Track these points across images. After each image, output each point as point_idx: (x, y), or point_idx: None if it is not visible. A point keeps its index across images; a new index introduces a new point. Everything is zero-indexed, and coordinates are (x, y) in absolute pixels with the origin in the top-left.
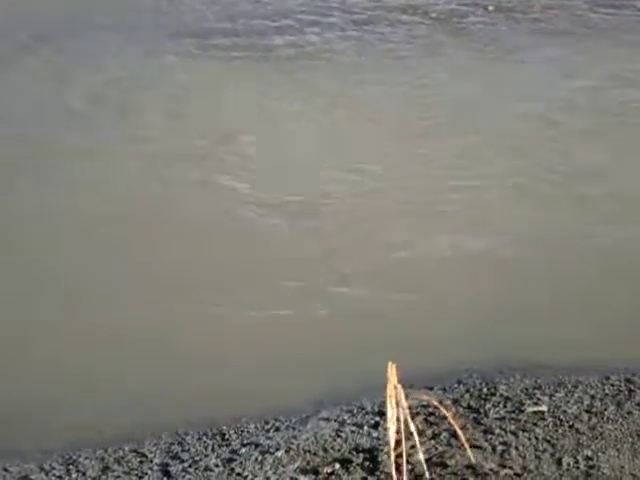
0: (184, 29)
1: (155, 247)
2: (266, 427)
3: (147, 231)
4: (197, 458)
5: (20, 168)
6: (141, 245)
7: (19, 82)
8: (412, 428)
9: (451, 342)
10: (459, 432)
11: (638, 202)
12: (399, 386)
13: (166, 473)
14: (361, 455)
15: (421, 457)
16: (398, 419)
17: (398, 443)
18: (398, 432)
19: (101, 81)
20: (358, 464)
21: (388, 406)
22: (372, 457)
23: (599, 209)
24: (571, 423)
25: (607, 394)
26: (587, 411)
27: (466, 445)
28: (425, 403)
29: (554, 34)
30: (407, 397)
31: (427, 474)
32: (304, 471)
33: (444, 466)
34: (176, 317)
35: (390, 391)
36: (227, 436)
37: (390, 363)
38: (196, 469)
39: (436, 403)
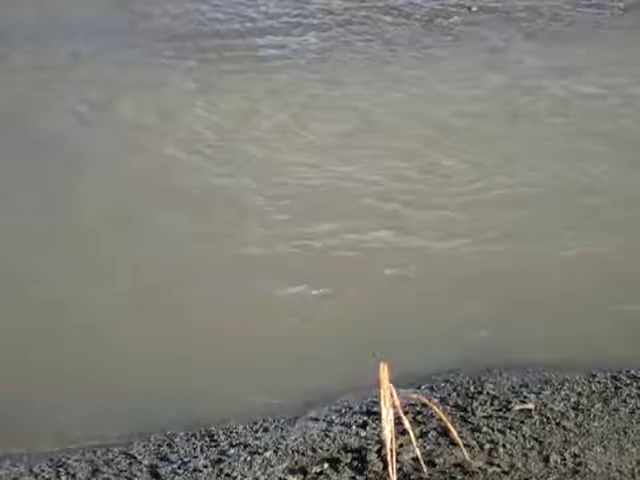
0: (167, 32)
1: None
2: (254, 428)
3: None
4: (186, 459)
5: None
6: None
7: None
8: (407, 425)
9: (438, 341)
10: (451, 429)
11: None
12: (392, 386)
13: (155, 475)
14: (349, 455)
15: (418, 453)
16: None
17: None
18: (390, 431)
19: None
20: (346, 464)
21: (382, 406)
22: (360, 457)
23: None
24: (558, 421)
25: (594, 391)
26: (574, 408)
27: (459, 442)
28: (412, 402)
29: (537, 34)
30: (398, 396)
31: (425, 469)
32: (293, 471)
33: (432, 464)
34: (165, 319)
35: (384, 391)
36: (216, 437)
37: (382, 363)
38: (185, 470)
39: (426, 401)
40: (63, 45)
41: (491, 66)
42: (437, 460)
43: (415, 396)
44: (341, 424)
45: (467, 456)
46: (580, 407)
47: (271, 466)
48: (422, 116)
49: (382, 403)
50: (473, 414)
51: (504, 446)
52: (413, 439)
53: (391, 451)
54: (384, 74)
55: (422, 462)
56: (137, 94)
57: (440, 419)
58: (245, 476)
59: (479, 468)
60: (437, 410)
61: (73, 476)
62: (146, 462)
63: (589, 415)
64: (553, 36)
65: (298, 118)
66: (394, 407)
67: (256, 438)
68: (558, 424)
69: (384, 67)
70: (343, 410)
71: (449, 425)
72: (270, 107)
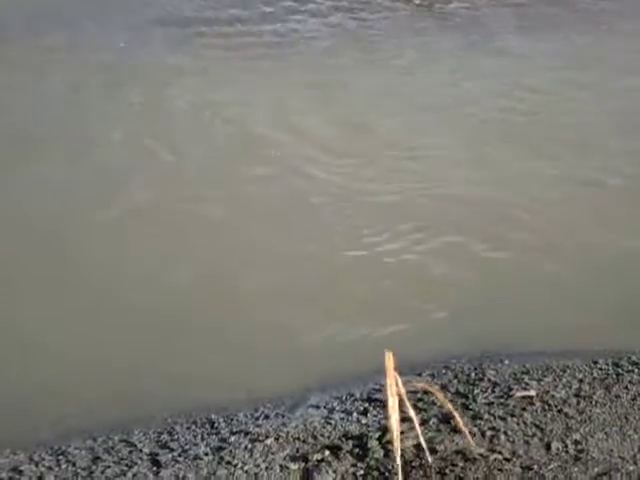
0: (166, 17)
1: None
2: (255, 415)
3: None
4: (186, 447)
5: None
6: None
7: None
8: (411, 413)
9: (439, 328)
10: (457, 416)
11: None
12: (396, 374)
13: (156, 462)
14: (350, 442)
15: (422, 440)
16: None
17: (388, 429)
18: (396, 420)
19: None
20: (347, 451)
21: (388, 395)
22: (361, 444)
23: None
24: (560, 407)
25: (595, 378)
26: (575, 395)
27: (464, 428)
28: (413, 389)
29: (538, 19)
30: (404, 384)
31: (429, 458)
32: (294, 458)
33: (434, 451)
34: (165, 305)
35: (390, 379)
36: (216, 424)
37: (387, 352)
38: (186, 458)
39: (432, 390)
40: (62, 29)
41: (490, 51)
42: (438, 447)
43: (420, 385)
44: (342, 411)
45: (470, 443)
46: (582, 394)
47: (272, 453)
48: (423, 108)
49: (388, 392)
50: (474, 401)
51: (505, 433)
52: (417, 426)
53: (399, 440)
54: (383, 59)
55: (427, 450)
56: (136, 78)
57: (441, 406)
58: (246, 464)
59: (480, 455)
60: (442, 398)
61: (73, 464)
62: (146, 450)
63: (591, 402)
64: (554, 20)
65: (299, 106)
66: (398, 395)
67: (257, 425)
68: (560, 411)
69: (383, 52)
70: (344, 397)
71: (454, 412)
72: (269, 97)
